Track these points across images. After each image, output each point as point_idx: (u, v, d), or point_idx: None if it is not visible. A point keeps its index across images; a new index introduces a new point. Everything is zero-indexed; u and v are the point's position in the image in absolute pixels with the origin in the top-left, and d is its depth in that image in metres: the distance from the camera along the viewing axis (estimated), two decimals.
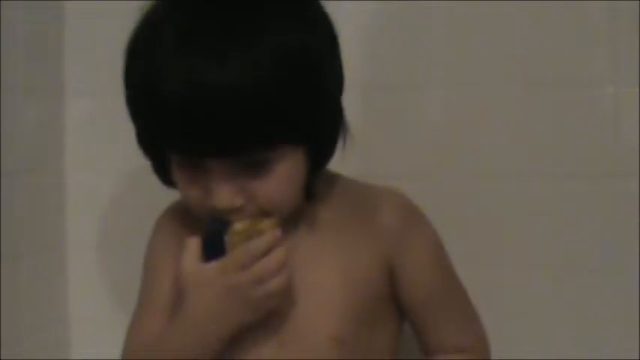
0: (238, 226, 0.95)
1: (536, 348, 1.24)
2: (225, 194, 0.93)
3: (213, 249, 0.96)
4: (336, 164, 1.10)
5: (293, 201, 0.99)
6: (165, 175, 1.02)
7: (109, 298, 1.38)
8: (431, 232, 1.08)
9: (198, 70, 0.88)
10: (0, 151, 1.22)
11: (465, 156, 1.28)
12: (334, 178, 1.09)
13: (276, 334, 1.01)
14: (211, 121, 0.88)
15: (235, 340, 1.00)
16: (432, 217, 1.15)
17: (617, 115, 1.24)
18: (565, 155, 1.25)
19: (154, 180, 1.36)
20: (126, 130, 1.37)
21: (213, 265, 0.95)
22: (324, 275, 1.01)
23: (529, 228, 1.26)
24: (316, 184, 1.02)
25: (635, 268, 1.21)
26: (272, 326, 1.00)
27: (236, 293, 0.95)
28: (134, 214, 1.36)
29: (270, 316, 0.99)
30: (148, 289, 1.10)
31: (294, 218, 1.02)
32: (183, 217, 1.08)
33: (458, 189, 1.28)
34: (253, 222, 0.96)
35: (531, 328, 1.25)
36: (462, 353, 1.06)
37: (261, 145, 0.92)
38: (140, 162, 1.37)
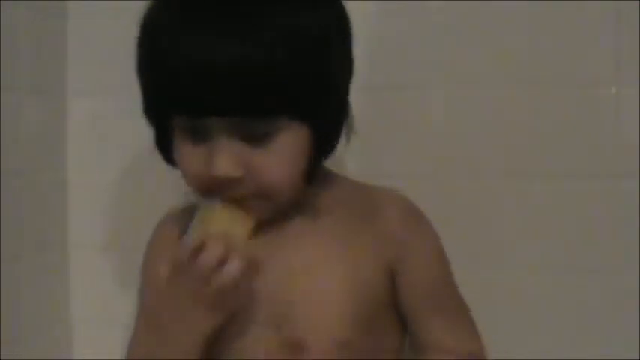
0: (218, 206, 0.94)
1: (536, 348, 1.24)
2: (225, 162, 0.92)
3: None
4: (337, 164, 1.11)
5: (292, 182, 0.97)
6: (167, 151, 1.01)
7: (110, 298, 1.38)
8: (433, 236, 1.08)
9: (207, 39, 0.89)
10: (1, 151, 1.23)
11: (465, 156, 1.28)
12: (337, 179, 1.09)
13: (278, 336, 1.00)
14: (217, 81, 0.88)
15: (236, 342, 0.99)
16: (433, 217, 1.15)
17: (619, 115, 1.23)
18: (566, 155, 1.25)
19: (154, 180, 1.37)
20: (127, 130, 1.38)
21: (167, 268, 0.95)
22: (328, 279, 1.00)
23: (529, 228, 1.26)
24: (317, 172, 1.01)
25: (635, 268, 1.21)
26: (274, 328, 1.00)
27: (187, 294, 0.93)
28: (135, 214, 1.37)
29: (272, 318, 0.99)
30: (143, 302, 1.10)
31: (296, 221, 1.02)
32: (180, 225, 1.07)
33: (458, 189, 1.28)
34: (232, 219, 0.95)
35: (531, 328, 1.25)
36: (454, 354, 1.05)
37: (262, 111, 0.91)
38: (141, 162, 1.39)
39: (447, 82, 1.28)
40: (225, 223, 0.95)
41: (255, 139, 0.93)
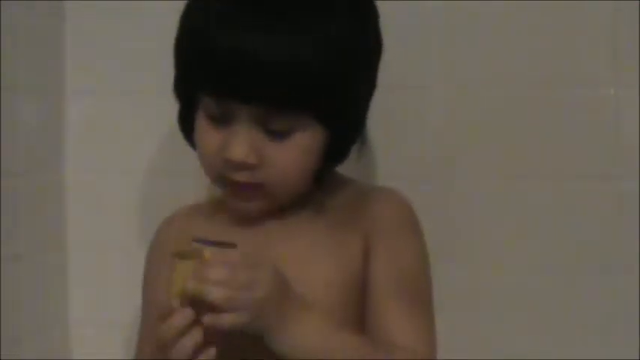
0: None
1: (536, 348, 1.24)
2: (241, 147, 0.96)
3: None
4: (342, 167, 1.11)
5: (298, 180, 1.00)
6: (188, 129, 1.05)
7: (109, 299, 1.38)
8: (413, 231, 1.08)
9: (253, 34, 0.93)
10: (0, 151, 1.22)
11: (464, 157, 1.28)
12: (338, 179, 1.11)
13: None
14: (252, 70, 0.93)
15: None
16: (432, 218, 1.15)
17: (618, 116, 1.23)
18: (565, 156, 1.25)
19: (154, 180, 1.37)
20: (126, 129, 1.38)
21: None
22: (315, 270, 1.02)
23: (529, 229, 1.26)
24: (325, 174, 1.04)
25: (635, 268, 1.21)
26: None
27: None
28: (135, 214, 1.36)
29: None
30: (146, 307, 1.11)
31: (294, 216, 1.05)
32: (181, 228, 1.09)
33: (457, 190, 1.28)
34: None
35: (531, 328, 1.25)
36: (396, 349, 1.01)
37: (286, 106, 0.95)
38: (140, 162, 1.38)
39: (447, 83, 1.28)
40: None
41: (274, 132, 0.97)
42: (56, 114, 1.39)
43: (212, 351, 0.90)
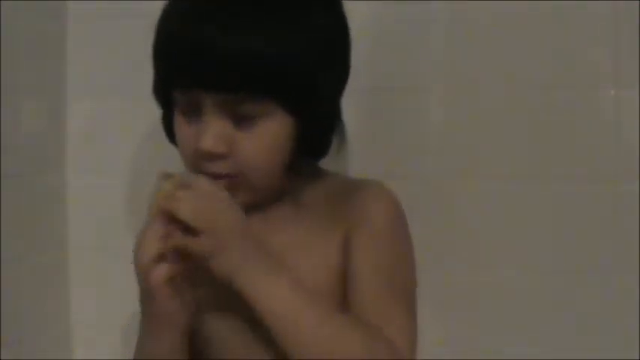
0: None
1: (536, 348, 1.24)
2: (211, 138, 0.99)
3: None
4: (337, 165, 1.11)
5: (270, 168, 1.02)
6: (170, 130, 1.08)
7: (109, 299, 1.38)
8: (395, 226, 1.07)
9: (203, 20, 0.98)
10: (1, 153, 1.23)
11: (464, 158, 1.28)
12: (324, 174, 1.11)
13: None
14: (211, 58, 0.96)
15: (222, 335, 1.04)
16: (431, 218, 1.15)
17: (618, 117, 1.23)
18: (565, 157, 1.25)
19: (153, 182, 1.37)
20: (127, 132, 1.39)
21: None
22: (301, 262, 1.03)
23: (529, 230, 1.26)
24: (301, 166, 1.05)
25: (635, 268, 1.21)
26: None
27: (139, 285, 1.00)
28: (135, 215, 1.36)
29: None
30: None
31: (280, 210, 1.06)
32: None
33: (457, 191, 1.28)
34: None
35: (531, 328, 1.25)
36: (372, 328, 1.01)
37: (249, 91, 0.97)
38: (140, 163, 1.39)
39: (447, 84, 1.28)
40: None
41: (242, 119, 0.99)
42: (57, 116, 1.40)
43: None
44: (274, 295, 0.96)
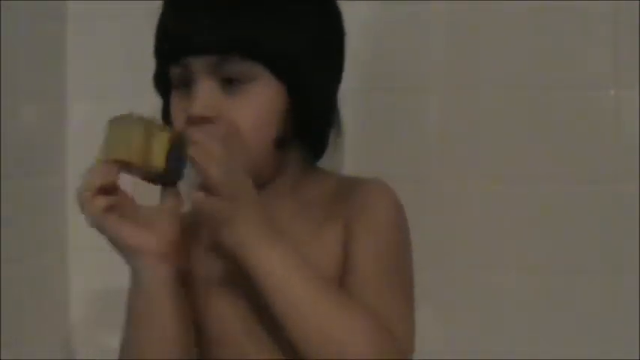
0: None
1: (536, 348, 1.24)
2: (200, 102, 0.99)
3: None
4: (336, 164, 1.11)
5: (257, 137, 1.00)
6: (169, 120, 1.07)
7: (109, 299, 1.38)
8: (394, 220, 1.07)
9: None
10: (1, 154, 1.23)
11: (464, 158, 1.28)
12: (326, 174, 1.11)
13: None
14: (195, 20, 0.99)
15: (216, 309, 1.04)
16: (431, 219, 1.15)
17: (618, 118, 1.24)
18: (565, 157, 1.26)
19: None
20: None
21: None
22: (314, 259, 1.01)
23: (529, 230, 1.26)
24: (290, 145, 1.04)
25: (635, 268, 1.21)
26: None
27: None
28: None
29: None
30: None
31: (284, 208, 1.05)
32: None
33: (456, 191, 1.28)
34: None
35: (531, 329, 1.25)
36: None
37: (236, 51, 0.98)
38: None
39: (445, 85, 1.29)
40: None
41: (230, 84, 1.00)
42: (57, 117, 1.40)
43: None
44: (280, 267, 0.94)
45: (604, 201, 1.24)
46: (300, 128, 1.02)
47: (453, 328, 1.15)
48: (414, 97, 1.29)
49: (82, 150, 1.41)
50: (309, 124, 1.03)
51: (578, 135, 1.25)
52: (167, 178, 0.96)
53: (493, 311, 1.25)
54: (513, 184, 1.27)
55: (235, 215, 0.93)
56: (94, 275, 1.39)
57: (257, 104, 1.00)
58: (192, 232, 1.05)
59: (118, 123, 0.96)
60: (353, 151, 1.20)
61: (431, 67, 1.29)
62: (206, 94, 1.00)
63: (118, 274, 1.24)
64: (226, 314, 1.05)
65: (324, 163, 1.09)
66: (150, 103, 1.35)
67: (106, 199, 0.96)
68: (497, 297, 1.26)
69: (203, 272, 1.06)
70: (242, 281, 0.99)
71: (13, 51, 1.27)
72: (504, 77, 1.27)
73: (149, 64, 1.35)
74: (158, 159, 0.94)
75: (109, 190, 0.96)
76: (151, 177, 0.96)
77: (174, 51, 1.02)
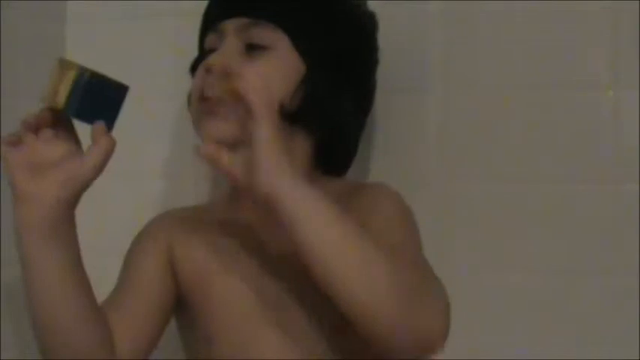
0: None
1: (536, 348, 1.24)
2: (220, 53, 1.05)
3: None
4: None
5: (265, 95, 0.98)
6: None
7: None
8: (406, 216, 1.09)
9: None
10: (0, 153, 1.22)
11: (464, 159, 1.28)
12: (333, 180, 1.13)
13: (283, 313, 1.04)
14: None
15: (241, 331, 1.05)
16: (431, 219, 1.15)
17: (617, 118, 1.23)
18: (564, 158, 1.25)
19: (155, 184, 1.38)
20: (127, 133, 1.38)
21: None
22: None
23: (529, 231, 1.26)
24: (297, 136, 1.07)
25: (635, 269, 1.21)
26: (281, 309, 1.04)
27: None
28: (135, 217, 1.36)
29: (278, 302, 1.04)
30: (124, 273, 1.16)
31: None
32: (172, 223, 1.14)
33: (456, 192, 1.28)
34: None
35: (532, 329, 1.25)
36: None
37: (267, 15, 1.06)
38: (140, 165, 1.39)
39: (445, 86, 1.29)
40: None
41: (254, 49, 1.06)
42: None
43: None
44: (314, 209, 0.94)
45: (604, 201, 1.24)
46: (314, 100, 1.06)
47: (453, 328, 1.14)
48: (413, 98, 1.29)
49: None
50: (327, 102, 1.08)
51: (578, 135, 1.25)
52: (69, 115, 0.98)
53: (493, 311, 1.25)
54: (513, 184, 1.27)
55: (271, 157, 0.94)
56: (94, 275, 1.39)
57: (272, 68, 1.05)
58: (206, 225, 1.09)
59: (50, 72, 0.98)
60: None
61: (430, 67, 1.29)
62: (228, 48, 1.05)
63: (115, 274, 1.24)
64: (232, 301, 1.06)
65: None
66: (150, 104, 1.36)
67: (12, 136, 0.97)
68: (497, 297, 1.26)
69: (215, 266, 1.07)
70: (250, 269, 1.02)
71: (13, 51, 1.26)
72: (503, 77, 1.27)
73: (149, 65, 1.36)
74: (60, 96, 0.97)
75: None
76: (62, 116, 0.97)
77: (212, 16, 1.11)
